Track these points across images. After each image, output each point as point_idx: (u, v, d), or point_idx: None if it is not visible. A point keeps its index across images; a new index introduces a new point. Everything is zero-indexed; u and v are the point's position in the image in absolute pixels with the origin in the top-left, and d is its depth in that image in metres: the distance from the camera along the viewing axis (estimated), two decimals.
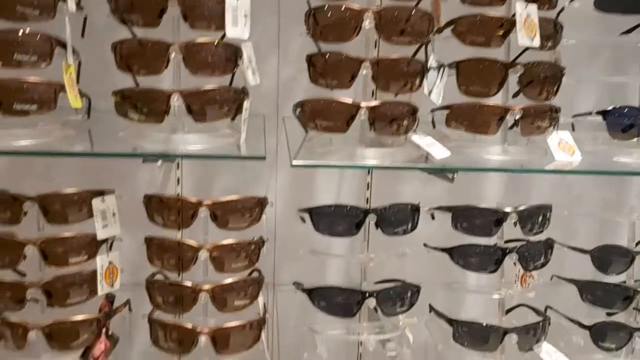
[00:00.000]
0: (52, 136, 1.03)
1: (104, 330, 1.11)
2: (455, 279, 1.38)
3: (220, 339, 1.09)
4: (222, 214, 1.10)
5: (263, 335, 1.15)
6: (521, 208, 1.17)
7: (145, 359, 1.21)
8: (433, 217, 1.24)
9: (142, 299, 1.17)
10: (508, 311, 1.28)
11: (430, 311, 1.26)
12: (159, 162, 1.19)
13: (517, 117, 1.07)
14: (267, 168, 1.34)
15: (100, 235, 1.08)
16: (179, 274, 1.12)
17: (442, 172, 1.10)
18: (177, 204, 1.09)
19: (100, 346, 1.10)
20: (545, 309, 1.28)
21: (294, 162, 0.99)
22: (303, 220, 1.22)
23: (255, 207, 1.14)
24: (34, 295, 1.07)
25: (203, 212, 1.09)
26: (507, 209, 1.17)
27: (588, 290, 1.25)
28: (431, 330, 1.29)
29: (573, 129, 1.18)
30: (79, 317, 1.08)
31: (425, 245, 1.26)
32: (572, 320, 1.26)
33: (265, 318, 1.16)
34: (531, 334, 1.20)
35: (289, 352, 1.21)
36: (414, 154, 1.06)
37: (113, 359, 1.14)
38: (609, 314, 1.27)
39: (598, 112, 1.18)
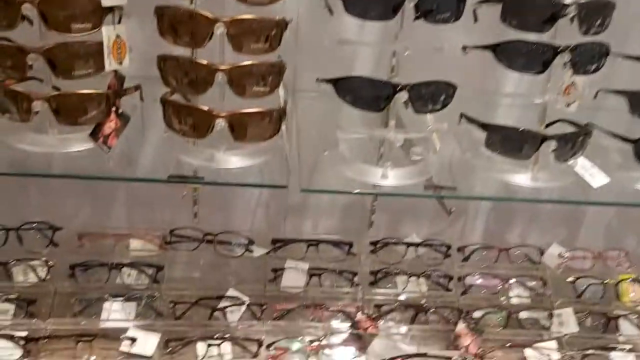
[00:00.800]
0: None
1: (113, 108, 1.04)
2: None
3: (238, 125, 1.02)
4: None
5: (283, 126, 1.08)
6: (582, 1, 1.02)
7: (157, 149, 1.16)
8: (476, 19, 1.10)
9: (153, 94, 1.09)
10: (547, 125, 1.19)
11: (461, 118, 1.18)
12: None
13: None
14: None
15: (105, 2, 0.97)
16: (192, 52, 1.01)
17: None
18: None
19: (111, 124, 1.04)
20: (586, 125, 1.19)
21: None
22: (331, 11, 1.09)
23: None
24: (36, 65, 0.99)
25: None
26: (566, 1, 1.02)
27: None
28: (460, 140, 1.21)
29: None
30: (86, 91, 1.00)
31: (464, 48, 1.13)
32: (615, 135, 1.17)
33: (285, 109, 1.08)
34: (569, 145, 1.12)
35: (309, 151, 1.15)
36: None
37: (125, 142, 1.09)
38: None
39: None
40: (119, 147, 1.08)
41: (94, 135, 1.02)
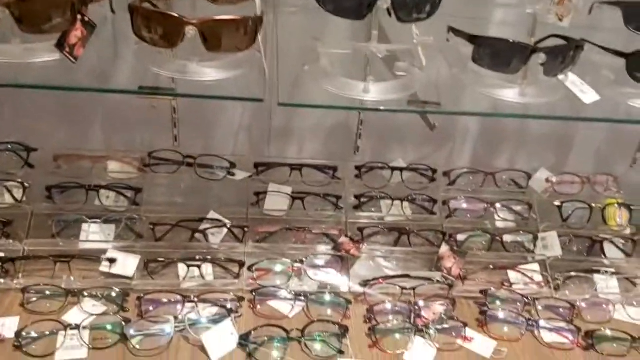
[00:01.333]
0: None
1: (79, 16, 0.98)
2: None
3: (211, 34, 0.97)
4: None
5: (260, 36, 1.02)
6: None
7: (129, 62, 1.10)
8: None
9: (124, 7, 1.02)
10: (538, 43, 1.14)
11: (449, 32, 1.12)
12: None
13: None
14: None
15: None
16: None
17: None
18: None
19: (77, 33, 0.98)
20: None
21: None
22: None
23: None
24: None
25: None
26: None
27: (635, 14, 1.08)
28: (447, 56, 1.16)
29: None
30: None
31: None
32: (608, 50, 1.12)
33: (262, 17, 1.02)
34: (560, 59, 1.07)
35: (289, 66, 1.10)
36: None
37: (96, 55, 1.04)
38: None
39: None
40: (90, 61, 1.03)
41: (60, 45, 0.97)
